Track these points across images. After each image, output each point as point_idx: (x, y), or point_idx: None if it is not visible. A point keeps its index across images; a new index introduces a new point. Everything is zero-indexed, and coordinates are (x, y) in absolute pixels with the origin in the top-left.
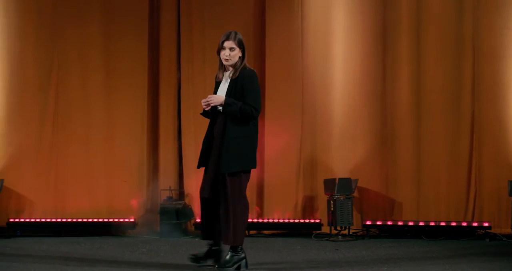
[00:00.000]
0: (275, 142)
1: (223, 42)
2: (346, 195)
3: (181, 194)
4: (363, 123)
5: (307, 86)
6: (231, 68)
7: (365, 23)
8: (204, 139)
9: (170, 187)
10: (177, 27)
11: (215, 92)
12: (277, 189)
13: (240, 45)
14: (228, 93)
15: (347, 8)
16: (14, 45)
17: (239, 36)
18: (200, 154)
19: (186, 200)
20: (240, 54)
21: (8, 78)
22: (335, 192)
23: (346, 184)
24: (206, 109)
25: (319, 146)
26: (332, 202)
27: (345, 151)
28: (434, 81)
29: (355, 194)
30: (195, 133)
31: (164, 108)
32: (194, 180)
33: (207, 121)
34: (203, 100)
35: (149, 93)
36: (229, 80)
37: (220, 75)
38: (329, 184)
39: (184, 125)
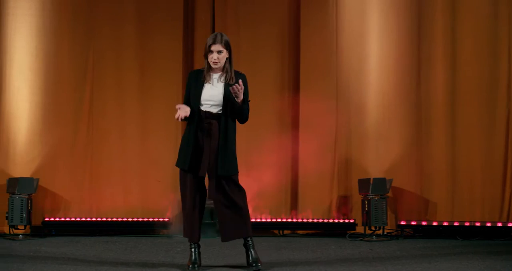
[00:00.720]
0: (310, 142)
1: (210, 46)
2: (380, 195)
3: None
4: (397, 123)
5: (341, 85)
6: (218, 71)
7: (400, 23)
8: (192, 141)
9: (204, 186)
10: (212, 28)
11: (198, 93)
12: (311, 189)
13: (227, 46)
14: (227, 97)
15: (382, 8)
16: (50, 45)
17: (225, 37)
18: (190, 156)
19: None
20: (227, 56)
21: (43, 78)
22: (370, 192)
23: (380, 184)
24: (238, 93)
25: (353, 146)
26: (366, 202)
27: (379, 151)
28: (469, 81)
29: (390, 194)
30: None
31: None
32: None
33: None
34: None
35: (183, 93)
36: (221, 83)
37: (207, 77)
38: (364, 184)
39: None
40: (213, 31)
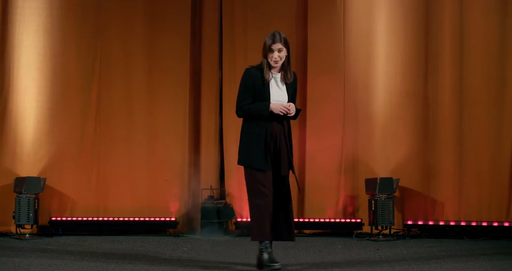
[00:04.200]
0: (317, 142)
1: (270, 45)
2: (387, 194)
3: (222, 193)
4: (404, 122)
5: (349, 85)
6: (278, 70)
7: (407, 23)
8: (268, 141)
9: (211, 186)
10: (220, 27)
11: (266, 93)
12: (318, 188)
13: (286, 44)
14: (290, 98)
15: (390, 8)
16: (57, 44)
17: (283, 35)
18: (266, 156)
19: (227, 199)
20: (286, 54)
21: (50, 78)
22: (377, 191)
23: (387, 184)
24: (285, 114)
25: (360, 146)
26: (373, 202)
27: (386, 151)
28: (477, 81)
29: (396, 193)
30: (237, 132)
31: (206, 108)
32: (236, 179)
33: None
34: (281, 108)
35: (191, 92)
36: (284, 83)
37: (268, 76)
38: (371, 183)
39: (225, 125)
40: (221, 30)
